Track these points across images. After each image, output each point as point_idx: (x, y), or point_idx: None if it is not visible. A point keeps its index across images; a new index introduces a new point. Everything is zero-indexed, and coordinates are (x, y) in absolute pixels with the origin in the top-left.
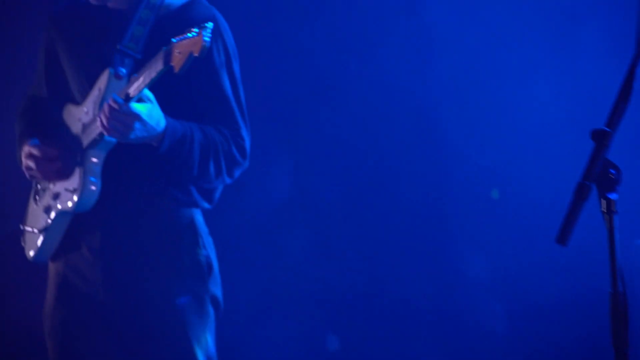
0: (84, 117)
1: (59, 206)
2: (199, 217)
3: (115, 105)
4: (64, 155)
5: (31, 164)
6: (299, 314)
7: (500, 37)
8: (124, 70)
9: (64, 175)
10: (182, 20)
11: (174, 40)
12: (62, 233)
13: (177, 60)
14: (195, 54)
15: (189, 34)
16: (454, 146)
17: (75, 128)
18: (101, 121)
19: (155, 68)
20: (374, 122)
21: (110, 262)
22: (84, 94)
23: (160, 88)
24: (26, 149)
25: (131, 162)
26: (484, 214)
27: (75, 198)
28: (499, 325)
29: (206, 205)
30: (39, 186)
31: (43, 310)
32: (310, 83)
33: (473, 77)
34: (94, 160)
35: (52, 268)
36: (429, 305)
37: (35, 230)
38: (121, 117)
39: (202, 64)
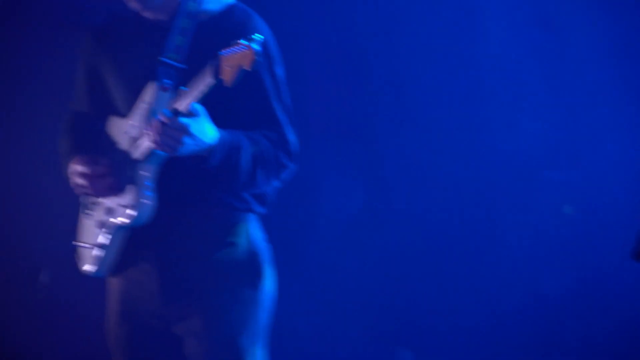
0: (131, 130)
1: (114, 221)
2: (254, 223)
3: (165, 120)
4: (113, 170)
5: (81, 181)
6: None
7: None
8: (169, 82)
9: (116, 190)
10: (223, 27)
11: (221, 53)
12: (119, 247)
13: (228, 74)
14: (246, 68)
15: (237, 48)
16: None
17: (123, 141)
18: (151, 136)
19: (204, 82)
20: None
21: (168, 274)
22: (130, 107)
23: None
24: (75, 166)
25: (183, 172)
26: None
27: (130, 213)
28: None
29: (260, 209)
30: (88, 201)
31: (106, 325)
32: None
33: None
34: (146, 174)
35: (112, 283)
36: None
37: (91, 246)
38: (171, 132)
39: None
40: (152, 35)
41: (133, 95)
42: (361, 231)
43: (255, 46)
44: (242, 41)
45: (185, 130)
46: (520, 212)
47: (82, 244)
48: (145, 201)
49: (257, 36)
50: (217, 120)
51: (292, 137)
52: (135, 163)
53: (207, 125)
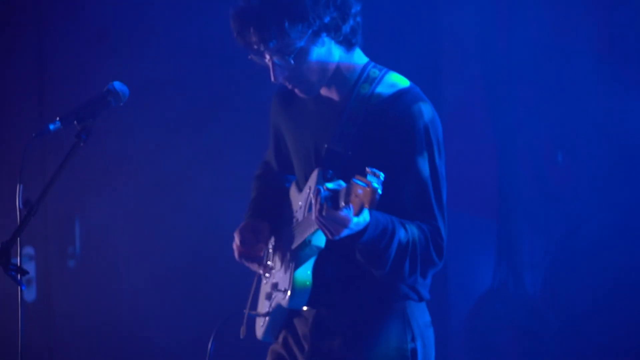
0: (298, 211)
1: (276, 298)
2: (413, 309)
3: (326, 213)
4: (278, 244)
5: (240, 248)
6: None
7: None
8: (331, 172)
9: (281, 268)
10: (388, 115)
11: (354, 180)
12: (283, 318)
13: (355, 204)
14: (366, 207)
15: (362, 182)
16: None
17: (289, 219)
18: (316, 219)
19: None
20: None
21: (319, 352)
22: (302, 180)
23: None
24: (239, 232)
25: (339, 257)
26: None
27: (286, 298)
28: None
29: (416, 298)
30: (265, 267)
31: None
32: None
33: None
34: (303, 262)
35: (272, 349)
36: None
37: (261, 314)
38: (331, 223)
39: (401, 149)
40: (325, 114)
41: (305, 172)
42: None
43: (377, 185)
44: (368, 177)
45: (344, 223)
46: None
47: (258, 310)
48: (302, 289)
49: (381, 175)
50: None
51: (444, 232)
52: (294, 249)
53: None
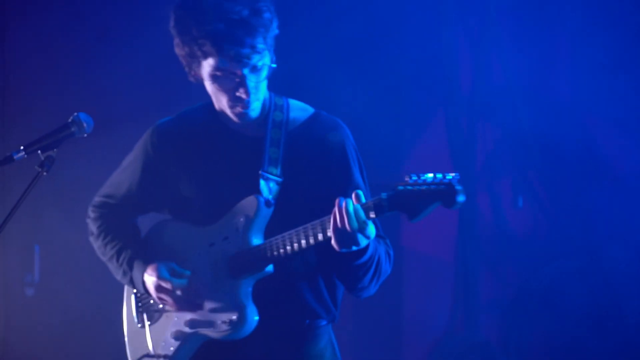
0: (221, 243)
1: (204, 333)
2: (332, 333)
3: (356, 226)
4: (197, 285)
5: (165, 297)
6: None
7: None
8: (270, 198)
9: (211, 304)
10: (311, 136)
11: (410, 186)
12: (191, 355)
13: (413, 211)
14: (445, 207)
15: (425, 181)
16: None
17: (207, 252)
18: (338, 228)
19: (371, 213)
20: None
21: None
22: (211, 216)
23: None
24: (155, 281)
25: (277, 284)
26: None
27: (233, 329)
28: None
29: (336, 319)
30: (149, 307)
31: None
32: None
33: None
34: (248, 288)
35: None
36: None
37: (158, 357)
38: (354, 237)
39: (335, 165)
40: (246, 144)
41: (220, 206)
42: None
43: (456, 185)
44: (442, 176)
45: (364, 232)
46: None
47: (143, 354)
48: (254, 318)
49: (456, 175)
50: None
51: (390, 244)
52: (232, 276)
53: (372, 226)
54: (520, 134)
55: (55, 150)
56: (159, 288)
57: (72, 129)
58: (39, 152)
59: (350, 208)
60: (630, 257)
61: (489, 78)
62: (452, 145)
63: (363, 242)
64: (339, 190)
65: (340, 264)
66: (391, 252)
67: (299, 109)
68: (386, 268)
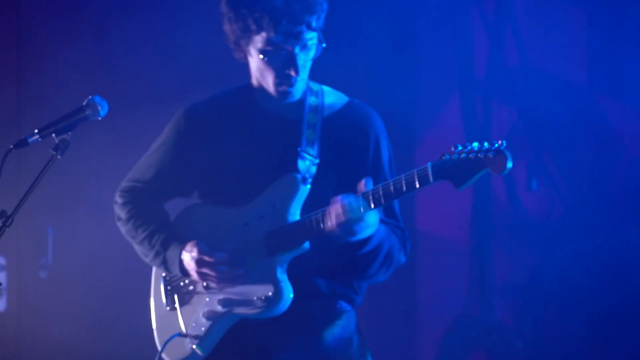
0: (257, 222)
1: (239, 312)
2: (357, 320)
3: (352, 215)
4: (234, 258)
5: (207, 271)
6: None
7: None
8: (307, 176)
9: (245, 281)
10: (346, 122)
11: (456, 154)
12: (221, 335)
13: (460, 179)
14: (494, 173)
15: (478, 148)
16: None
17: (243, 232)
18: (333, 219)
19: (416, 183)
20: None
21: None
22: (245, 198)
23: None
24: (196, 256)
25: (308, 265)
26: None
27: (269, 306)
28: None
29: (359, 304)
30: (179, 289)
31: None
32: None
33: None
34: (284, 265)
35: None
36: None
37: (189, 337)
38: (354, 227)
39: (366, 153)
40: (276, 129)
41: (248, 186)
42: None
43: (506, 152)
44: (486, 144)
45: (362, 219)
46: None
47: (174, 335)
48: (289, 295)
49: (503, 142)
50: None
51: (407, 233)
52: (271, 255)
53: (375, 217)
54: (535, 116)
55: (69, 133)
56: (200, 262)
57: (87, 112)
58: (54, 135)
59: (346, 201)
60: None
61: (505, 60)
62: (467, 128)
63: (365, 232)
64: (370, 176)
65: (346, 251)
66: (408, 244)
67: (333, 95)
68: (399, 258)
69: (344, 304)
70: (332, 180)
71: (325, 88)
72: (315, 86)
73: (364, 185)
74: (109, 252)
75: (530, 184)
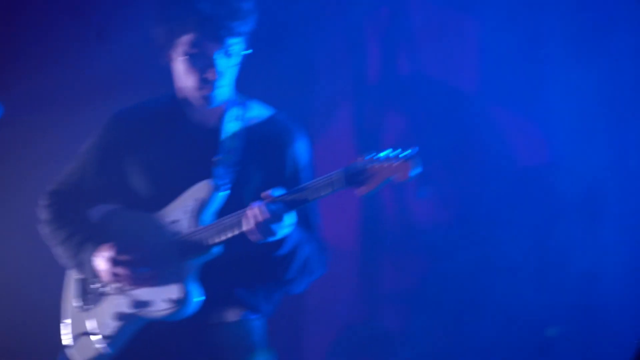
0: (171, 226)
1: (147, 314)
2: (265, 329)
3: (268, 216)
4: (148, 261)
5: (119, 270)
6: None
7: None
8: (222, 184)
9: (156, 283)
10: (268, 133)
11: (371, 163)
12: (129, 336)
13: (368, 186)
14: (398, 180)
15: (384, 157)
16: None
17: (156, 235)
18: (250, 222)
19: (330, 188)
20: None
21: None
22: (162, 203)
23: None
24: (108, 255)
25: (222, 271)
26: None
27: (175, 308)
28: None
29: (269, 315)
30: (92, 290)
31: None
32: None
33: None
34: (194, 270)
35: None
36: None
37: (98, 337)
38: (273, 226)
39: (288, 165)
40: (196, 136)
41: (165, 192)
42: None
43: (414, 163)
44: (398, 152)
45: (279, 220)
46: None
47: (82, 335)
48: (196, 299)
49: (414, 151)
50: None
51: (325, 245)
52: (183, 258)
53: (291, 217)
54: (426, 124)
55: None
56: (111, 263)
57: None
58: None
59: (264, 204)
60: (527, 250)
61: (397, 70)
62: (358, 137)
63: (281, 232)
64: (287, 187)
65: (263, 255)
66: (326, 255)
67: (259, 108)
68: (317, 267)
69: (250, 313)
70: (251, 189)
71: (253, 101)
72: (241, 97)
73: (269, 195)
74: (35, 259)
75: (419, 191)
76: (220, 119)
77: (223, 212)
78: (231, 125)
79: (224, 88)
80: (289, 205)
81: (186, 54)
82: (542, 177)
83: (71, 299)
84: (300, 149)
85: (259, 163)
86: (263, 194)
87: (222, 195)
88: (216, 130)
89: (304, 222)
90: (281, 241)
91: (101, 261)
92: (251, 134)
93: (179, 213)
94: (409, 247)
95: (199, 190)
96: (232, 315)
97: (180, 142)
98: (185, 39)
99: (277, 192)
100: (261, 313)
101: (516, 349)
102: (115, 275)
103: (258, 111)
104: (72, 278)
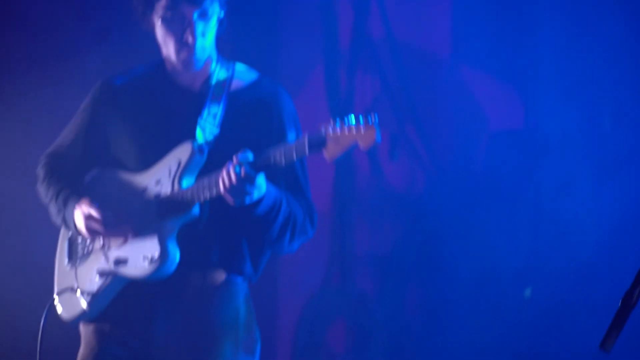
0: (154, 186)
1: (127, 272)
2: (249, 293)
3: (244, 176)
4: (127, 220)
5: (94, 225)
6: None
7: None
8: (204, 145)
9: (134, 240)
10: (254, 97)
11: (333, 128)
12: (113, 296)
13: (332, 151)
14: (363, 148)
15: (348, 123)
16: None
17: (140, 196)
18: (225, 184)
19: (294, 153)
20: None
21: (165, 332)
22: (143, 164)
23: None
24: (85, 209)
25: (204, 233)
26: None
27: (153, 267)
28: None
29: (255, 279)
30: (79, 248)
31: None
32: None
33: None
34: (174, 230)
35: (93, 327)
36: None
37: (82, 293)
38: (246, 187)
39: (273, 129)
40: (182, 101)
41: (154, 154)
42: None
43: (377, 128)
44: (361, 119)
45: (252, 182)
46: None
47: (67, 291)
48: (174, 258)
49: (375, 117)
50: None
51: (314, 206)
52: (163, 218)
53: (261, 178)
54: (398, 87)
55: None
56: (88, 217)
57: None
58: None
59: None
60: (507, 210)
61: (369, 31)
62: (330, 100)
63: (256, 193)
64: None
65: (243, 216)
66: (315, 216)
67: (244, 71)
68: (304, 226)
69: (232, 275)
70: (233, 153)
71: (239, 65)
72: (226, 62)
73: (238, 157)
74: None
75: (392, 153)
76: (207, 82)
77: (206, 174)
78: (216, 89)
79: (204, 51)
80: (259, 168)
81: (164, 17)
82: (512, 138)
83: (63, 255)
84: (285, 113)
85: (243, 126)
86: (234, 157)
87: (202, 157)
88: (200, 93)
89: (290, 185)
90: (259, 201)
91: (79, 215)
92: (236, 96)
93: (163, 174)
94: (382, 209)
95: (181, 151)
96: (217, 277)
97: (166, 106)
98: (162, 3)
99: (248, 155)
100: (245, 275)
101: (492, 314)
102: (90, 230)
103: (243, 74)
104: (63, 234)
